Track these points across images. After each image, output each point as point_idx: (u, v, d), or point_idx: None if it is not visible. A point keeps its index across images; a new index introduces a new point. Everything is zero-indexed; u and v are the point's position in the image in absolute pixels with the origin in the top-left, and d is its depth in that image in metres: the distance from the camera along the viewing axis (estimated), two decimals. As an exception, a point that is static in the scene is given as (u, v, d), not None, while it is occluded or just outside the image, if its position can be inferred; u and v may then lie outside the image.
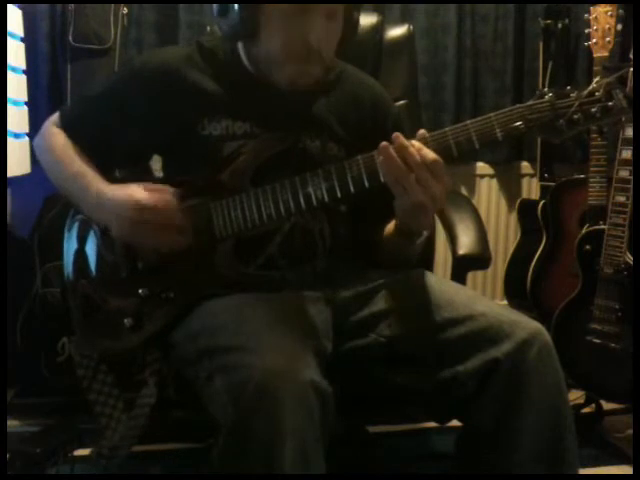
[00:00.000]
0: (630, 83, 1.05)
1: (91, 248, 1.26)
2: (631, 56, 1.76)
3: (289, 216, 1.15)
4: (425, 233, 1.16)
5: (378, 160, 1.05)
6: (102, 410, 1.21)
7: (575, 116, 1.05)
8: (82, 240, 1.28)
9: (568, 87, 1.07)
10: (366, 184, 1.09)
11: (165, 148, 1.27)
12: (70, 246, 1.30)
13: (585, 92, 1.04)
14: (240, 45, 1.25)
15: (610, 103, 1.04)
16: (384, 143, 1.04)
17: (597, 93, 1.04)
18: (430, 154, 1.04)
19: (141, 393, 1.17)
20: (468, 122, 1.07)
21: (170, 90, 1.22)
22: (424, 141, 1.06)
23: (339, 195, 1.11)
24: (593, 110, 1.04)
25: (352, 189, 1.10)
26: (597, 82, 1.05)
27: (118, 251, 1.22)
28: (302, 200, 1.12)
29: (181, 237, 1.16)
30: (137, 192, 1.16)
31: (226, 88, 1.23)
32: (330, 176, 1.11)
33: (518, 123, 1.05)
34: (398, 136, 1.04)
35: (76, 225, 1.30)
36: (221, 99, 1.22)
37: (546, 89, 1.07)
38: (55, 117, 1.32)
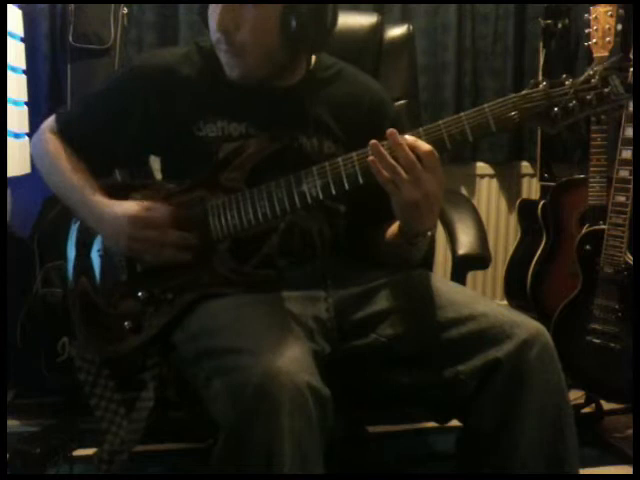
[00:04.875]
0: (629, 74, 1.04)
1: (92, 252, 1.27)
2: (631, 56, 1.76)
3: (284, 215, 1.15)
4: (429, 234, 1.15)
5: (369, 158, 1.05)
6: (103, 415, 1.21)
7: (570, 104, 1.03)
8: (83, 244, 1.29)
9: (564, 75, 1.05)
10: (360, 181, 1.09)
11: (162, 149, 1.28)
12: (71, 249, 1.31)
13: (580, 79, 1.03)
14: None
15: (606, 89, 1.02)
16: (373, 141, 1.04)
17: (592, 80, 1.03)
18: (424, 146, 1.03)
19: (140, 397, 1.18)
20: (462, 114, 1.06)
21: (167, 91, 1.23)
22: (417, 135, 1.06)
23: (334, 192, 1.10)
24: (588, 97, 1.03)
25: (347, 186, 1.09)
26: (592, 69, 1.04)
27: (117, 254, 1.22)
28: (297, 198, 1.12)
29: (178, 252, 1.16)
30: (134, 208, 1.17)
31: (222, 89, 1.23)
32: (324, 174, 1.10)
33: (512, 113, 1.04)
34: (391, 133, 1.04)
35: (77, 229, 1.31)
36: (217, 100, 1.22)
37: (540, 79, 1.06)
38: (50, 121, 1.32)
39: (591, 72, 1.03)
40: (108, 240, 1.22)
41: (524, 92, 1.05)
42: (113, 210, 1.19)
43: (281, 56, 1.18)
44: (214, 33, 1.16)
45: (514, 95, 1.06)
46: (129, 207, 1.18)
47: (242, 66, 1.17)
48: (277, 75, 1.21)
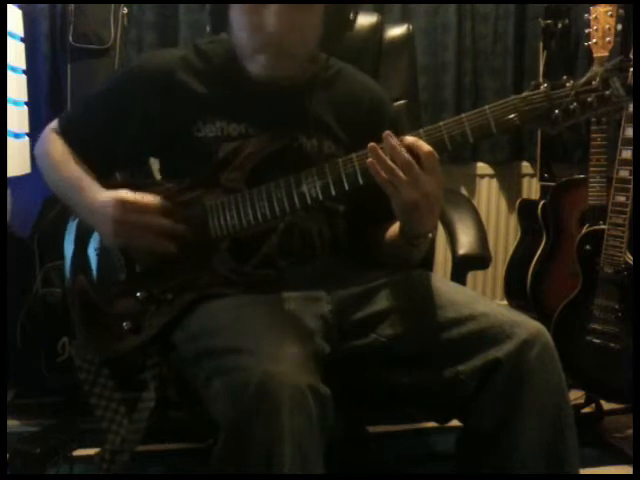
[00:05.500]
0: (630, 75, 1.04)
1: (90, 250, 1.27)
2: (631, 56, 1.76)
3: (284, 215, 1.14)
4: (430, 235, 1.15)
5: (368, 161, 1.05)
6: (103, 414, 1.21)
7: (571, 106, 1.03)
8: (81, 242, 1.29)
9: (564, 77, 1.05)
10: (360, 181, 1.08)
11: (162, 150, 1.28)
12: (70, 249, 1.31)
13: (581, 81, 1.03)
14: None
15: (607, 92, 1.02)
16: (372, 144, 1.04)
17: (593, 82, 1.02)
18: (424, 147, 1.03)
19: (141, 397, 1.18)
20: (463, 115, 1.06)
21: (166, 92, 1.23)
22: (418, 136, 1.06)
23: (333, 193, 1.10)
24: (589, 100, 1.02)
25: (346, 187, 1.09)
26: (593, 71, 1.04)
27: (116, 253, 1.22)
28: (296, 199, 1.12)
29: (164, 240, 1.16)
30: (122, 193, 1.17)
31: (221, 90, 1.23)
32: (324, 174, 1.10)
33: (513, 115, 1.04)
34: (387, 136, 1.04)
35: (75, 227, 1.31)
36: (215, 101, 1.23)
37: (541, 80, 1.06)
38: (54, 124, 1.33)
39: (592, 74, 1.03)
40: (99, 228, 1.21)
41: (525, 94, 1.05)
42: (103, 196, 1.18)
43: (310, 55, 1.21)
44: (251, 34, 1.16)
45: (515, 97, 1.05)
46: (118, 192, 1.17)
47: (281, 66, 1.17)
48: (299, 74, 1.23)
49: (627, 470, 1.73)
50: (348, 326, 1.17)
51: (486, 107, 1.05)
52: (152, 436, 1.41)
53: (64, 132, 1.30)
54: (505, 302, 2.39)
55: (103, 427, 1.20)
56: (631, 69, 1.03)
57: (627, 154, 1.78)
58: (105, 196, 1.18)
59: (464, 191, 2.63)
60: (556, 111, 1.04)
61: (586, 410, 1.99)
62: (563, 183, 2.13)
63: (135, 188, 1.22)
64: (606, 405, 2.00)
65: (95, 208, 1.19)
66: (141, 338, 1.18)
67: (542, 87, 1.05)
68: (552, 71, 2.39)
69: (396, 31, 1.78)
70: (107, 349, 1.23)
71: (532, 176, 2.64)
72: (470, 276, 1.51)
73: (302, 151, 1.23)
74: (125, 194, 1.16)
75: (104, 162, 1.28)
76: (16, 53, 1.97)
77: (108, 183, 1.24)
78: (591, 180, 1.93)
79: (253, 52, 1.18)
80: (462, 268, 1.47)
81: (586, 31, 1.93)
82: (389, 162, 1.03)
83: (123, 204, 1.15)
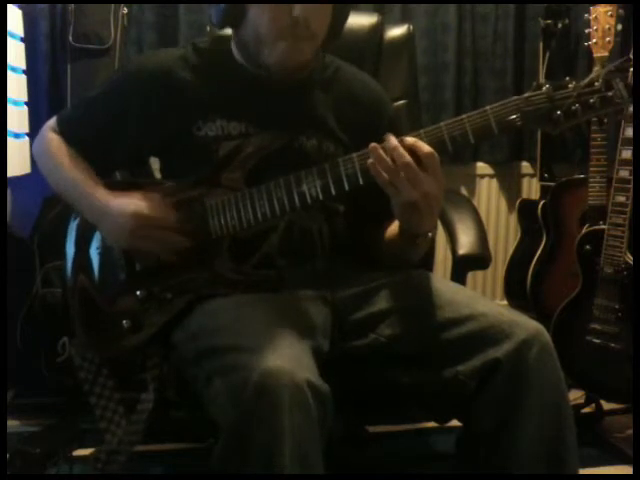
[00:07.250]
0: (630, 75, 1.04)
1: (91, 249, 1.27)
2: (631, 56, 1.76)
3: (283, 215, 1.15)
4: (430, 235, 1.15)
5: (368, 162, 1.05)
6: (102, 414, 1.21)
7: (573, 107, 1.03)
8: (82, 241, 1.28)
9: (567, 78, 1.05)
10: (361, 181, 1.09)
11: (162, 150, 1.28)
12: (71, 247, 1.30)
13: (584, 82, 1.03)
14: (232, 43, 1.26)
15: (610, 93, 1.02)
16: (373, 144, 1.04)
17: (596, 83, 1.02)
18: (424, 147, 1.03)
19: (141, 398, 1.18)
20: (464, 116, 1.06)
21: (165, 92, 1.23)
22: (418, 136, 1.06)
23: (334, 193, 1.10)
24: (592, 101, 1.02)
25: (347, 187, 1.09)
26: (596, 72, 1.03)
27: (116, 252, 1.23)
28: (296, 198, 1.12)
29: (176, 253, 1.17)
30: (135, 202, 1.17)
31: (220, 89, 1.23)
32: (324, 174, 1.10)
33: (514, 116, 1.04)
34: (388, 136, 1.04)
35: (76, 226, 1.31)
36: (215, 100, 1.23)
37: (543, 80, 1.06)
38: (52, 122, 1.33)
39: (595, 75, 1.03)
40: (108, 235, 1.22)
41: (527, 95, 1.05)
42: (115, 204, 1.19)
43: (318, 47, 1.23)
44: (276, 19, 1.15)
45: (517, 97, 1.05)
46: (131, 203, 1.18)
47: (300, 53, 1.18)
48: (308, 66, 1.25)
49: (627, 470, 1.73)
50: (348, 326, 1.17)
51: (487, 107, 1.05)
52: (152, 436, 1.41)
53: (63, 132, 1.30)
54: (505, 302, 2.39)
55: (101, 427, 1.20)
56: (631, 69, 1.03)
57: (627, 154, 1.78)
58: (117, 204, 1.18)
59: (464, 191, 2.62)
60: (558, 112, 1.04)
61: (586, 410, 1.99)
62: (563, 183, 2.13)
63: (136, 187, 1.22)
64: (606, 405, 2.00)
65: (106, 214, 1.19)
66: (141, 337, 1.18)
67: (544, 88, 1.04)
68: (552, 71, 2.39)
69: (396, 31, 1.77)
70: (107, 348, 1.23)
71: (532, 176, 2.64)
72: (470, 276, 1.51)
73: (302, 150, 1.23)
74: (138, 205, 1.17)
75: (103, 162, 1.28)
76: (16, 53, 1.97)
77: (109, 182, 1.25)
78: (591, 180, 1.93)
79: (275, 39, 1.16)
80: (462, 268, 1.47)
81: (586, 31, 1.93)
82: (389, 163, 1.03)
83: (138, 217, 1.16)
